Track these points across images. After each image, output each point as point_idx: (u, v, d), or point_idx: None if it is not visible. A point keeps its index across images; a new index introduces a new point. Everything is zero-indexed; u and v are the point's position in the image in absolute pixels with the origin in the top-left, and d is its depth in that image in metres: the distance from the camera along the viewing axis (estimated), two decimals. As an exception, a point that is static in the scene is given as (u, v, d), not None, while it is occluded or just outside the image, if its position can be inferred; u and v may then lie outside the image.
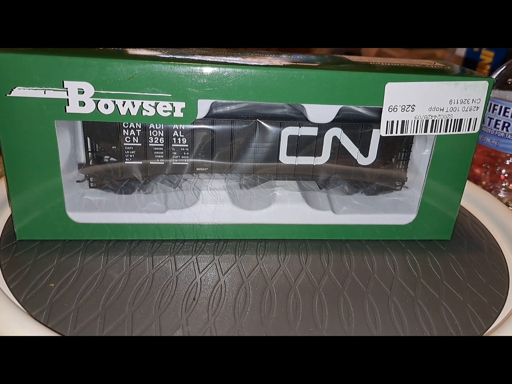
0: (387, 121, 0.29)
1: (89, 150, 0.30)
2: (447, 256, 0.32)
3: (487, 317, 0.27)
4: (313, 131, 0.31)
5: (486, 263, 0.32)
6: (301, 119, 0.31)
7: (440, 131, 0.30)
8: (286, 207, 0.32)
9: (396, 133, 0.29)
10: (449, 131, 0.30)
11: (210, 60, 0.27)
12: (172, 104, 0.27)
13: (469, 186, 0.39)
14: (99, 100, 0.26)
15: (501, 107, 0.42)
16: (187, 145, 0.31)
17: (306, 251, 0.32)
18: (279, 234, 0.32)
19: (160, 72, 0.26)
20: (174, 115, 0.27)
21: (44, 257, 0.29)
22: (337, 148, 0.32)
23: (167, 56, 0.27)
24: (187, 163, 0.31)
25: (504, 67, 0.44)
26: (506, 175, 0.45)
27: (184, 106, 0.27)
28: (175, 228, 0.31)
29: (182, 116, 0.27)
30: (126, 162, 0.31)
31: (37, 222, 0.29)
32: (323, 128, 0.31)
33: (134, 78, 0.26)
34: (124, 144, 0.30)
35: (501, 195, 0.45)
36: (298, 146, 0.32)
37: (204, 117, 0.29)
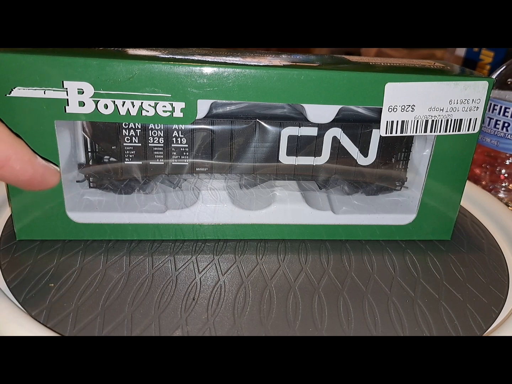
0: (387, 121, 0.29)
1: (89, 150, 0.30)
2: (447, 256, 0.32)
3: (486, 317, 0.27)
4: (313, 131, 0.31)
5: (486, 263, 0.32)
6: (301, 119, 0.31)
7: (440, 131, 0.30)
8: (286, 207, 0.32)
9: (396, 133, 0.29)
10: (449, 131, 0.30)
11: (209, 60, 0.27)
12: (171, 104, 0.27)
13: (469, 186, 0.39)
14: (98, 100, 0.26)
15: (501, 107, 0.42)
16: (186, 145, 0.31)
17: (306, 251, 0.32)
18: (279, 234, 0.32)
19: (160, 72, 0.26)
20: (173, 115, 0.27)
21: (44, 257, 0.29)
22: (337, 148, 0.32)
23: (166, 56, 0.27)
24: (187, 163, 0.31)
25: (503, 67, 0.44)
26: (506, 175, 0.45)
27: (183, 106, 0.27)
28: (175, 228, 0.31)
29: (181, 116, 0.27)
30: (126, 162, 0.31)
31: (37, 222, 0.29)
32: (323, 128, 0.31)
33: (134, 78, 0.26)
34: (124, 144, 0.30)
35: (501, 195, 0.45)
36: (298, 146, 0.32)
37: (203, 117, 0.29)
